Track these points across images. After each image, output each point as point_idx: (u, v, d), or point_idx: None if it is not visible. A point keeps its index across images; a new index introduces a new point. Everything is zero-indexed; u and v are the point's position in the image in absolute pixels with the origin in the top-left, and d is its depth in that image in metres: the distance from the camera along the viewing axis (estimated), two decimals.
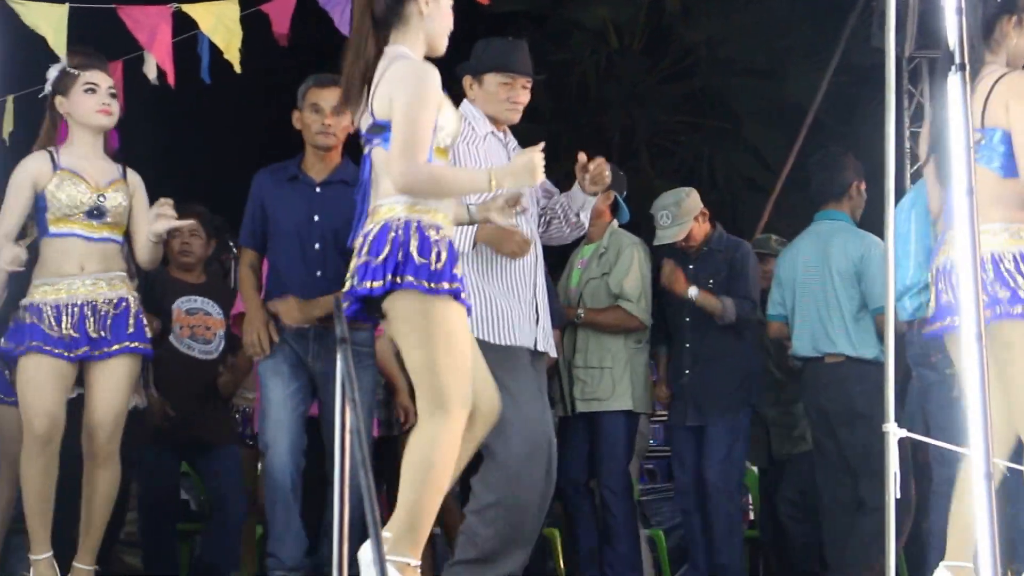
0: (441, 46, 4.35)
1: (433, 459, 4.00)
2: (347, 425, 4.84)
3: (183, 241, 6.61)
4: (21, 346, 5.14)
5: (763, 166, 14.23)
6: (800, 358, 6.50)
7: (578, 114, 14.96)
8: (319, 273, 5.56)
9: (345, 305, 4.15)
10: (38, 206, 5.21)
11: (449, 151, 4.29)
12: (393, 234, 4.06)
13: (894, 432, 5.07)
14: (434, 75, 4.14)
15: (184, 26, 5.97)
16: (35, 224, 5.30)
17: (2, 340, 5.23)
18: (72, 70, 5.24)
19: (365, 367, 5.50)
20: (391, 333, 4.22)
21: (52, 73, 5.30)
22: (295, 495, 5.44)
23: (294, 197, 5.63)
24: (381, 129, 4.15)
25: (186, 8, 5.81)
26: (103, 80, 5.26)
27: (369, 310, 4.21)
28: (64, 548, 5.28)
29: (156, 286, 6.35)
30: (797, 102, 12.72)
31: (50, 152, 5.25)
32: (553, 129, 14.96)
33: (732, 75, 14.97)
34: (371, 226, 4.13)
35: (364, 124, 4.24)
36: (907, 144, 9.94)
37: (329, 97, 5.55)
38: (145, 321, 5.33)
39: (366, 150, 4.25)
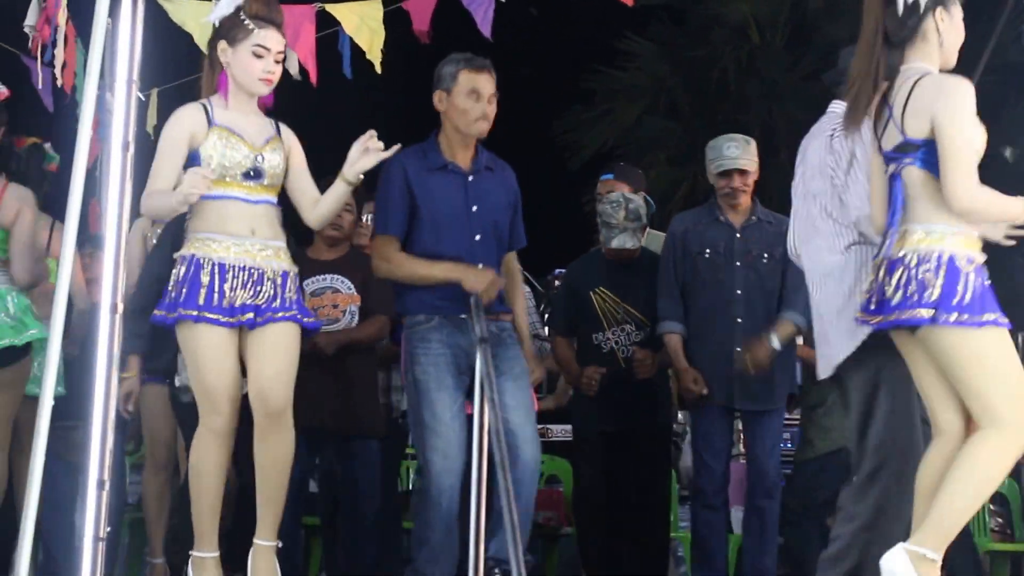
0: (952, 59, 4.33)
1: (989, 472, 4.10)
2: (486, 425, 4.82)
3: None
4: (172, 314, 4.69)
5: None
6: None
7: (717, 111, 14.80)
8: (480, 266, 5.33)
9: (872, 321, 4.22)
10: (191, 164, 4.72)
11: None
12: (928, 267, 4.08)
13: None
14: (972, 90, 4.13)
15: (325, 23, 5.97)
16: None
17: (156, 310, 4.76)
18: (247, 21, 4.77)
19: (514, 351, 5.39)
20: (929, 356, 4.20)
21: (226, 8, 4.79)
22: (457, 517, 5.19)
23: (448, 187, 5.39)
24: (914, 148, 4.15)
25: (329, 8, 5.79)
26: (275, 44, 4.81)
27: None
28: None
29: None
30: None
31: (204, 105, 4.82)
32: (692, 126, 14.84)
33: None
34: (903, 252, 4.15)
35: (889, 142, 4.23)
36: None
37: (488, 83, 5.37)
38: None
39: (891, 168, 4.24)
